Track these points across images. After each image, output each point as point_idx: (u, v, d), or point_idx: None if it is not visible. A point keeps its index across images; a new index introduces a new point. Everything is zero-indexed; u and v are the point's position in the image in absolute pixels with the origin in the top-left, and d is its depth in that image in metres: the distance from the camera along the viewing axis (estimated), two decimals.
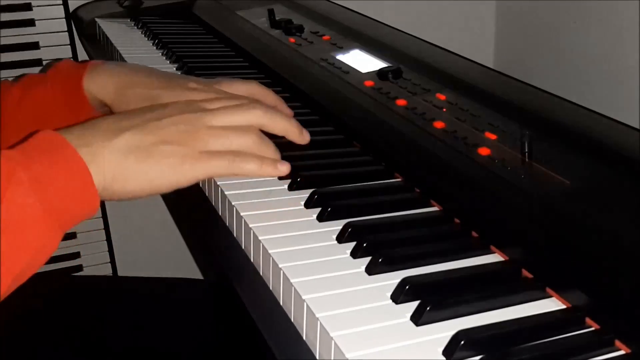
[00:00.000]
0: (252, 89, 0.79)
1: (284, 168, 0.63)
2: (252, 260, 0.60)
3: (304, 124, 0.83)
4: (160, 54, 1.15)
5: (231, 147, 0.62)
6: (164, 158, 0.58)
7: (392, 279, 0.52)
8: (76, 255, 1.54)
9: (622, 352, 0.46)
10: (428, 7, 1.71)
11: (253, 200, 0.64)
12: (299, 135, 0.66)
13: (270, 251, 0.56)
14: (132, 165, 0.57)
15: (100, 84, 0.77)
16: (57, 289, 1.00)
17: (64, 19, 1.43)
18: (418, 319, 0.47)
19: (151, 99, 0.75)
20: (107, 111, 0.80)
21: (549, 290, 0.52)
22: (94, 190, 0.55)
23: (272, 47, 1.07)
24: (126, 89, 0.76)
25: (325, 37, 1.06)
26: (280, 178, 0.68)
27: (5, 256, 0.49)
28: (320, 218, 0.61)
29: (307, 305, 0.49)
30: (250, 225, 0.59)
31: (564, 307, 0.51)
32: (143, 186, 0.58)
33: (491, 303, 0.50)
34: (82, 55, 1.43)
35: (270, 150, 0.64)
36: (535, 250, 0.54)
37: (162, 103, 0.68)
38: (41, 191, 0.52)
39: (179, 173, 0.59)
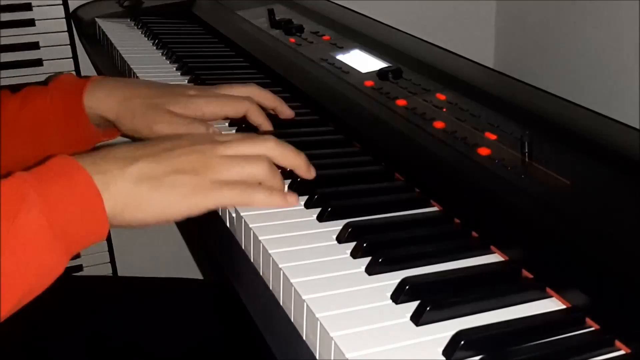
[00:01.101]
0: (251, 91, 0.80)
1: (293, 200, 0.63)
2: (252, 260, 0.60)
3: (304, 124, 0.83)
4: (160, 54, 1.15)
5: (242, 175, 0.62)
6: (176, 187, 0.59)
7: (392, 279, 0.52)
8: (76, 255, 1.54)
9: (622, 352, 0.46)
10: (428, 7, 1.71)
11: None
12: (306, 171, 0.67)
13: (270, 251, 0.56)
14: (144, 194, 0.58)
15: (101, 98, 0.78)
16: (57, 289, 1.00)
17: (64, 19, 1.43)
18: (418, 319, 0.47)
19: (155, 107, 0.76)
20: (108, 126, 0.81)
21: (549, 290, 0.52)
22: (104, 217, 0.56)
23: (272, 47, 1.07)
24: (129, 100, 0.77)
25: (325, 37, 1.06)
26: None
27: (12, 276, 0.50)
28: (320, 218, 0.61)
29: (307, 305, 0.49)
30: (251, 226, 0.59)
31: (564, 307, 0.51)
32: (154, 214, 0.59)
33: (491, 303, 0.50)
34: (82, 55, 1.43)
35: (278, 181, 0.64)
36: (535, 250, 0.54)
37: (176, 135, 0.69)
38: (52, 215, 0.52)
39: (190, 202, 0.59)
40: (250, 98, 0.80)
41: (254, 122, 0.79)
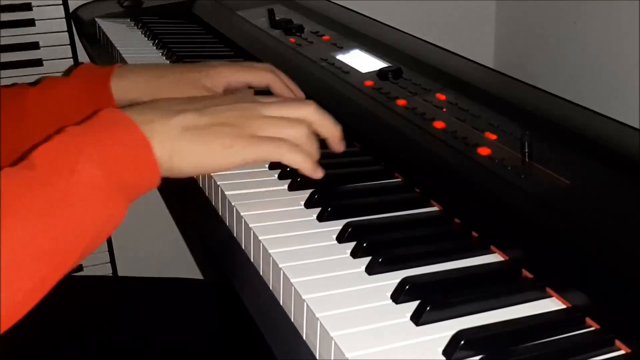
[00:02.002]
0: (267, 66, 0.85)
1: (320, 174, 0.64)
2: (252, 260, 0.60)
3: None
4: (160, 54, 1.15)
5: (281, 135, 0.64)
6: (217, 138, 0.61)
7: (392, 279, 0.52)
8: None
9: (622, 352, 0.46)
10: (428, 7, 1.71)
11: (253, 200, 0.64)
12: (338, 143, 0.69)
13: (270, 251, 0.56)
14: (187, 144, 0.60)
15: (131, 81, 0.81)
16: (56, 289, 1.00)
17: (64, 19, 1.43)
18: (418, 319, 0.47)
19: (185, 82, 0.79)
20: None
21: (549, 290, 0.52)
22: (156, 165, 0.58)
23: (272, 47, 1.07)
24: (161, 78, 0.81)
25: (325, 37, 1.06)
26: (280, 177, 0.68)
27: (75, 227, 0.52)
28: (320, 218, 0.61)
29: (307, 305, 0.49)
30: (250, 225, 0.59)
31: (564, 307, 0.51)
32: (195, 164, 0.61)
33: (491, 303, 0.50)
34: (82, 55, 1.43)
35: (314, 148, 0.65)
36: (535, 250, 0.54)
37: (219, 95, 0.74)
38: (107, 164, 0.55)
39: (229, 154, 0.61)
40: (273, 72, 0.83)
41: (277, 93, 0.82)
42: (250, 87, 0.84)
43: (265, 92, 0.82)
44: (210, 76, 0.81)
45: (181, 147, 0.60)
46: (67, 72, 0.85)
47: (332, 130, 0.67)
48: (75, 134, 0.56)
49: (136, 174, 0.57)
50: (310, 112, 0.66)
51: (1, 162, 0.76)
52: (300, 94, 0.85)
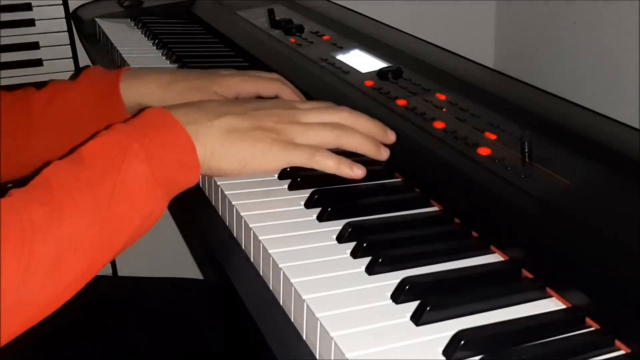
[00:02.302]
0: (275, 75, 0.86)
1: (360, 172, 0.66)
2: (252, 260, 0.60)
3: None
4: (160, 54, 1.15)
5: (316, 140, 0.67)
6: (256, 142, 0.64)
7: (392, 279, 0.52)
8: None
9: (622, 352, 0.46)
10: (428, 7, 1.71)
11: (253, 200, 0.64)
12: (383, 135, 0.71)
13: (270, 251, 0.56)
14: (228, 145, 0.63)
15: (142, 86, 0.82)
16: None
17: (64, 19, 1.43)
18: (418, 319, 0.47)
19: (197, 88, 0.81)
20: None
21: (549, 290, 0.52)
22: (197, 163, 0.61)
23: (272, 47, 1.07)
24: (172, 84, 0.82)
25: (325, 37, 1.06)
26: (280, 177, 0.68)
27: (121, 219, 0.55)
28: (320, 218, 0.61)
29: (307, 305, 0.49)
30: (250, 225, 0.59)
31: (564, 307, 0.51)
32: (235, 165, 0.64)
33: (491, 303, 0.50)
34: (82, 55, 1.43)
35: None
36: (535, 250, 0.54)
37: (258, 100, 0.77)
38: (153, 162, 0.57)
39: (267, 156, 0.65)
40: (281, 80, 0.85)
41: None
42: (259, 97, 0.84)
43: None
44: (221, 85, 0.82)
45: (222, 148, 0.63)
46: (74, 76, 0.84)
47: (370, 127, 0.70)
48: (123, 131, 0.59)
49: (179, 172, 0.60)
50: (344, 117, 0.69)
51: (13, 168, 0.77)
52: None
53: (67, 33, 1.44)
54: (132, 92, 0.81)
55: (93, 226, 0.53)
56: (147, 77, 0.83)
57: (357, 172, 0.66)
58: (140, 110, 0.63)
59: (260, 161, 0.65)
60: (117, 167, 0.56)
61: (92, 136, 0.59)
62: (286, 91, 0.84)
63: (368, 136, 0.69)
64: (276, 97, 0.84)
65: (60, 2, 1.42)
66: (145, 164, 0.57)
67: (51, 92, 0.81)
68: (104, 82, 0.81)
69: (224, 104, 0.68)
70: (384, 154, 0.69)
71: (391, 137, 0.71)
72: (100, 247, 0.54)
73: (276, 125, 0.66)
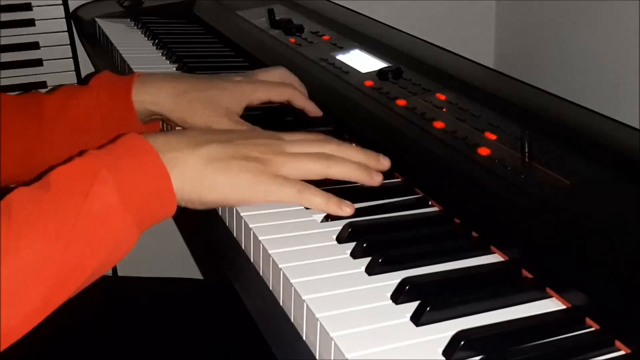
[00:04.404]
0: (282, 75, 0.85)
1: (349, 209, 0.63)
2: (252, 260, 0.60)
3: (304, 123, 0.83)
4: (160, 54, 1.15)
5: (303, 174, 0.64)
6: (241, 173, 0.61)
7: (392, 279, 0.52)
8: None
9: (622, 352, 0.46)
10: (428, 7, 1.71)
11: None
12: (375, 162, 0.68)
13: (270, 251, 0.56)
14: (210, 175, 0.60)
15: (153, 93, 0.80)
16: None
17: (64, 19, 1.43)
18: (418, 319, 0.47)
19: (210, 100, 0.78)
20: (151, 120, 0.82)
21: (549, 290, 0.52)
22: (172, 193, 0.58)
23: (272, 47, 1.07)
24: (183, 94, 0.79)
25: (325, 37, 1.06)
26: None
27: (86, 247, 0.52)
28: (320, 218, 0.61)
29: (307, 305, 0.49)
30: (250, 226, 0.59)
31: (564, 307, 0.51)
32: (216, 196, 0.61)
33: (491, 303, 0.50)
34: (82, 55, 1.43)
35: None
36: (535, 250, 0.54)
37: (243, 129, 0.75)
38: (123, 191, 0.54)
39: (252, 189, 0.61)
40: (291, 85, 0.84)
41: (299, 107, 0.83)
42: (270, 103, 0.83)
43: None
44: (233, 95, 0.79)
45: (204, 178, 0.60)
46: (85, 80, 0.84)
47: (361, 157, 0.67)
48: (94, 157, 0.56)
49: (152, 203, 0.57)
50: (333, 149, 0.67)
51: (22, 175, 0.77)
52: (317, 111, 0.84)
53: (67, 33, 1.44)
54: (143, 99, 0.79)
55: (55, 255, 0.50)
56: (160, 84, 0.80)
57: (345, 209, 0.62)
58: (117, 136, 0.60)
59: (245, 193, 0.61)
60: (83, 194, 0.53)
61: (65, 161, 0.56)
62: (297, 97, 0.82)
63: (358, 163, 0.66)
64: (288, 102, 0.83)
65: (60, 2, 1.42)
66: (115, 191, 0.54)
67: (62, 96, 0.80)
68: (115, 88, 0.80)
69: (208, 131, 0.65)
70: (376, 179, 0.66)
71: (385, 163, 0.68)
72: (61, 278, 0.51)
73: (262, 156, 0.63)
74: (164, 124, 0.84)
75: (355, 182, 0.66)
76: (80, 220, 0.52)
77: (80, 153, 0.57)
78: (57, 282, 0.51)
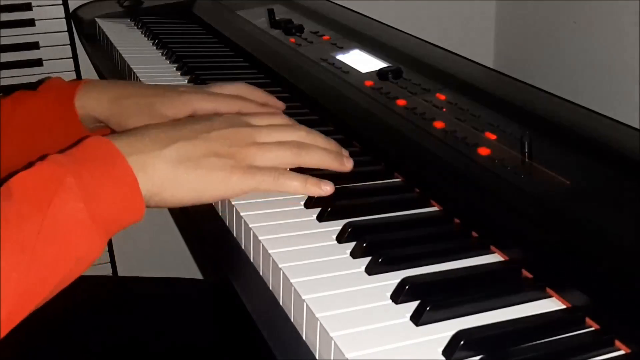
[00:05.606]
0: (240, 89, 0.81)
1: (329, 187, 0.63)
2: (252, 260, 0.60)
3: (304, 123, 0.83)
4: (160, 54, 1.15)
5: (275, 162, 0.63)
6: (213, 170, 0.60)
7: (392, 279, 0.52)
8: None
9: (622, 352, 0.46)
10: (428, 7, 1.71)
11: (253, 201, 0.64)
12: (339, 159, 0.67)
13: (270, 251, 0.56)
14: (181, 175, 0.59)
15: (93, 99, 0.78)
16: None
17: (64, 19, 1.43)
18: (418, 319, 0.47)
19: (148, 106, 0.76)
20: (99, 127, 0.80)
21: (549, 290, 0.52)
22: (140, 198, 0.56)
23: (272, 47, 1.07)
24: (121, 99, 0.77)
25: (325, 37, 1.06)
26: None
27: (50, 260, 0.50)
28: (320, 218, 0.61)
29: (307, 305, 0.49)
30: (250, 225, 0.59)
31: (564, 307, 0.51)
32: (191, 195, 0.60)
33: (491, 303, 0.50)
34: (82, 55, 1.43)
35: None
36: (535, 250, 0.54)
37: (207, 115, 0.70)
38: (89, 198, 0.52)
39: (226, 185, 0.61)
40: (243, 97, 0.80)
41: None
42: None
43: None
44: (173, 103, 0.76)
45: (175, 178, 0.58)
46: (36, 86, 0.83)
47: (328, 145, 0.67)
48: (57, 163, 0.53)
49: (121, 210, 0.55)
50: (302, 135, 0.66)
51: None
52: (279, 104, 0.82)
53: (67, 33, 1.44)
54: (85, 104, 0.78)
55: (18, 267, 0.48)
56: (102, 90, 0.79)
57: (325, 188, 0.62)
58: (82, 139, 0.57)
59: (219, 189, 0.61)
60: (46, 203, 0.50)
61: (25, 167, 0.53)
62: (249, 108, 0.77)
63: (328, 149, 0.66)
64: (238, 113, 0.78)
65: (60, 2, 1.42)
66: (81, 201, 0.51)
67: (14, 101, 0.79)
68: (60, 94, 0.79)
69: (171, 128, 0.62)
70: (347, 165, 0.66)
71: (349, 165, 0.67)
72: (26, 290, 0.49)
73: (231, 149, 0.61)
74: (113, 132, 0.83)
75: (327, 170, 0.66)
76: (44, 231, 0.49)
77: (42, 158, 0.54)
78: (21, 295, 0.49)
